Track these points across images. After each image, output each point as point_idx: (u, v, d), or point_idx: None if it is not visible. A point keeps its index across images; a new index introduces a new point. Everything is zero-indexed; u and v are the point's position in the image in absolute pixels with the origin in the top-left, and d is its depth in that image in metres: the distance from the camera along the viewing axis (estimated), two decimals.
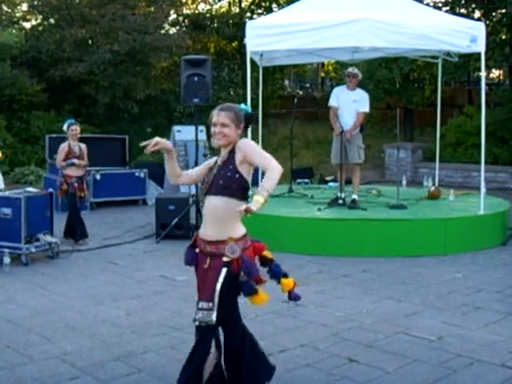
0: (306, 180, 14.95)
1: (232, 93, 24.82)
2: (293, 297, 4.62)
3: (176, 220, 10.76)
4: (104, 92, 20.21)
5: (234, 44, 25.85)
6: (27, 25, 23.04)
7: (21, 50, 19.66)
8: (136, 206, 14.62)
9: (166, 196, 12.19)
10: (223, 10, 28.07)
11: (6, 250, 9.06)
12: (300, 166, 16.80)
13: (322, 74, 37.54)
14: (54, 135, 14.77)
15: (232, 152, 4.49)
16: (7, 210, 9.24)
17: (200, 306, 4.39)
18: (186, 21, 25.97)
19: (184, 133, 15.17)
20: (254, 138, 11.38)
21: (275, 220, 10.20)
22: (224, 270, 4.37)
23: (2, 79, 18.87)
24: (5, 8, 21.98)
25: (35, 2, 21.21)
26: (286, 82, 29.20)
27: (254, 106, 11.49)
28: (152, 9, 21.89)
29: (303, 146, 22.18)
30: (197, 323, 4.38)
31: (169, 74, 23.34)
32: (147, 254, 9.92)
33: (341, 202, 10.99)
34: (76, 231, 10.56)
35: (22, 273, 8.80)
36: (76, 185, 10.58)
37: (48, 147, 14.75)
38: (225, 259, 4.37)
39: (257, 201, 4.12)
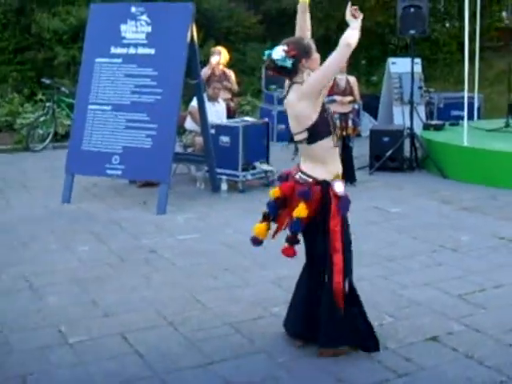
0: None
1: (447, 25, 23.99)
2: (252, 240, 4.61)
3: (390, 152, 10.70)
4: (318, 24, 20.23)
5: None
6: None
7: None
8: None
9: (381, 128, 12.08)
10: None
11: (224, 177, 9.44)
12: None
13: None
14: None
15: None
16: (226, 139, 9.57)
17: None
18: None
19: (399, 65, 14.92)
20: (470, 71, 11.03)
21: (489, 155, 9.88)
22: None
23: (219, 11, 19.28)
24: None
25: None
26: (504, 14, 27.69)
27: (471, 39, 11.10)
28: None
29: None
30: None
31: (383, 6, 22.92)
32: (360, 185, 9.92)
33: None
34: None
35: (238, 199, 9.08)
36: (338, 122, 9.34)
37: (264, 78, 15.14)
38: None
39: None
